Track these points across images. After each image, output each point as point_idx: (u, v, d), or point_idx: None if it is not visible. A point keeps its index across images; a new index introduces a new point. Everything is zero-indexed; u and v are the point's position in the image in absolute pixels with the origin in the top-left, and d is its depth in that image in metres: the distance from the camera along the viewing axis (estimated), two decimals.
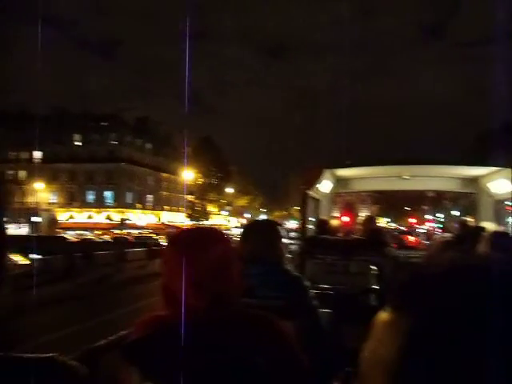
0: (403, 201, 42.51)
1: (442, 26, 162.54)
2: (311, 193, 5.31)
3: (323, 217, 5.78)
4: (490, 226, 4.68)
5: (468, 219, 5.22)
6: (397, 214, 44.69)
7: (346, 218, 10.08)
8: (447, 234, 5.59)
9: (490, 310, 0.40)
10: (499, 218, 6.46)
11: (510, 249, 3.60)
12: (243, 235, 2.41)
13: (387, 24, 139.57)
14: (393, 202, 41.76)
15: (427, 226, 30.61)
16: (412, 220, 37.64)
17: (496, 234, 3.66)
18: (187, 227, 1.49)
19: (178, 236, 1.33)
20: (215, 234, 1.33)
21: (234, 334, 1.19)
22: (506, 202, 6.25)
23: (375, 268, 4.17)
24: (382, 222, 37.19)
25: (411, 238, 21.30)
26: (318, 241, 4.68)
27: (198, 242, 1.25)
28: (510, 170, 5.65)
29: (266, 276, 2.18)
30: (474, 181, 6.58)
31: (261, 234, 2.34)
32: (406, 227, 30.93)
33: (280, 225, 2.54)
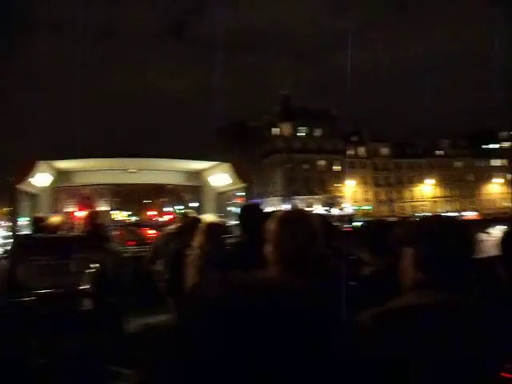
0: (144, 193, 43.13)
1: (185, 24, 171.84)
2: (24, 187, 4.72)
3: (43, 213, 5.27)
4: (210, 217, 5.02)
5: (190, 211, 5.54)
6: (138, 207, 44.98)
7: (81, 213, 9.51)
8: (173, 226, 5.82)
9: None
10: (221, 208, 7.13)
11: (220, 238, 3.95)
12: None
13: (135, 14, 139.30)
14: (133, 195, 41.90)
15: (166, 218, 31.71)
16: (152, 213, 38.31)
17: (210, 225, 3.93)
18: None
19: None
20: None
21: None
22: (238, 194, 6.90)
23: (97, 266, 4.02)
24: (122, 215, 36.78)
25: (151, 232, 21.58)
26: (32, 240, 4.26)
27: None
28: (227, 164, 6.26)
29: None
30: (198, 174, 7.08)
31: None
32: (147, 220, 31.33)
33: None
